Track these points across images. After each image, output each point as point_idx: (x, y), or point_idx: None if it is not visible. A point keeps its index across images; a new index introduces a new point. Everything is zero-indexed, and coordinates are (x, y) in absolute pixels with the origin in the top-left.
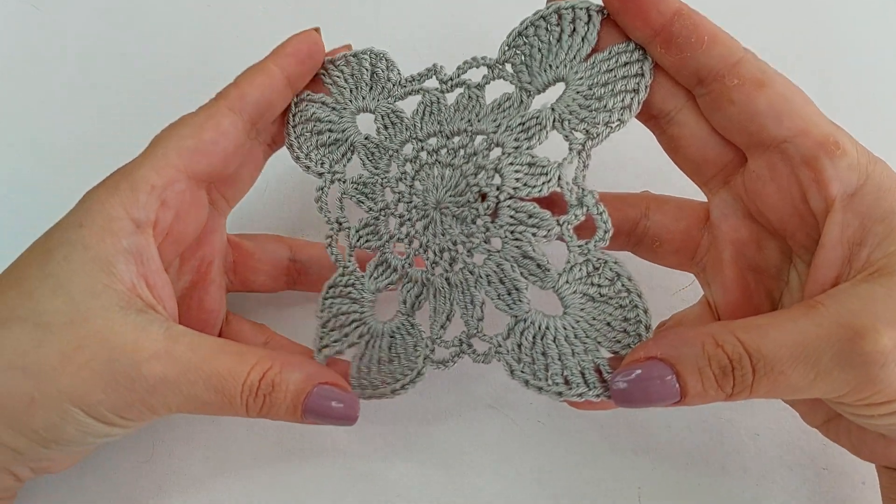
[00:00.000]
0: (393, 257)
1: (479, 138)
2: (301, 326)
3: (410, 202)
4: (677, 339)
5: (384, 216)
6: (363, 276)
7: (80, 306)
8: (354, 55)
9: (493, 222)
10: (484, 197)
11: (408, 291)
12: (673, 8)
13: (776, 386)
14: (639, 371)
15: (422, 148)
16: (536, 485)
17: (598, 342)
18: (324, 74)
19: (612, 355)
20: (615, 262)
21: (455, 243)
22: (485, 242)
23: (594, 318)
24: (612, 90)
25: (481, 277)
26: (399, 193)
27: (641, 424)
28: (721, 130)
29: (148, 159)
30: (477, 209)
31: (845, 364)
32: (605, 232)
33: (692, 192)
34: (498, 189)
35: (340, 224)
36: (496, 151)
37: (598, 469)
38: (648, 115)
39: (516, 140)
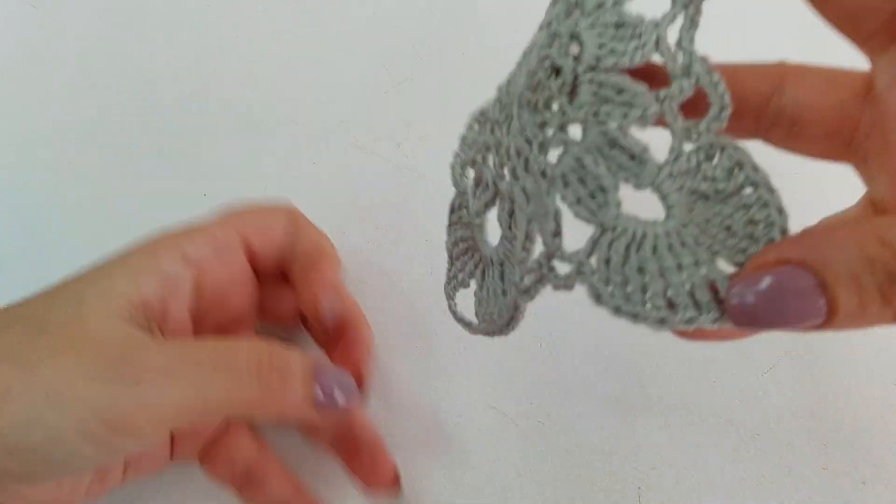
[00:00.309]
0: (487, 169)
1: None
2: None
3: (500, 101)
4: (824, 239)
5: (482, 123)
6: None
7: (84, 308)
8: None
9: (570, 103)
10: (558, 72)
11: (502, 209)
12: None
13: None
14: (769, 279)
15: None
16: (536, 485)
17: (715, 252)
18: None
19: (734, 269)
20: (736, 148)
21: (528, 140)
22: (560, 131)
23: (708, 222)
24: None
25: (556, 179)
26: (499, 91)
27: (641, 424)
28: (835, 23)
29: (215, 220)
30: (549, 87)
31: None
32: (722, 109)
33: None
34: (575, 59)
35: (465, 142)
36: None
37: (598, 469)
38: None
39: None
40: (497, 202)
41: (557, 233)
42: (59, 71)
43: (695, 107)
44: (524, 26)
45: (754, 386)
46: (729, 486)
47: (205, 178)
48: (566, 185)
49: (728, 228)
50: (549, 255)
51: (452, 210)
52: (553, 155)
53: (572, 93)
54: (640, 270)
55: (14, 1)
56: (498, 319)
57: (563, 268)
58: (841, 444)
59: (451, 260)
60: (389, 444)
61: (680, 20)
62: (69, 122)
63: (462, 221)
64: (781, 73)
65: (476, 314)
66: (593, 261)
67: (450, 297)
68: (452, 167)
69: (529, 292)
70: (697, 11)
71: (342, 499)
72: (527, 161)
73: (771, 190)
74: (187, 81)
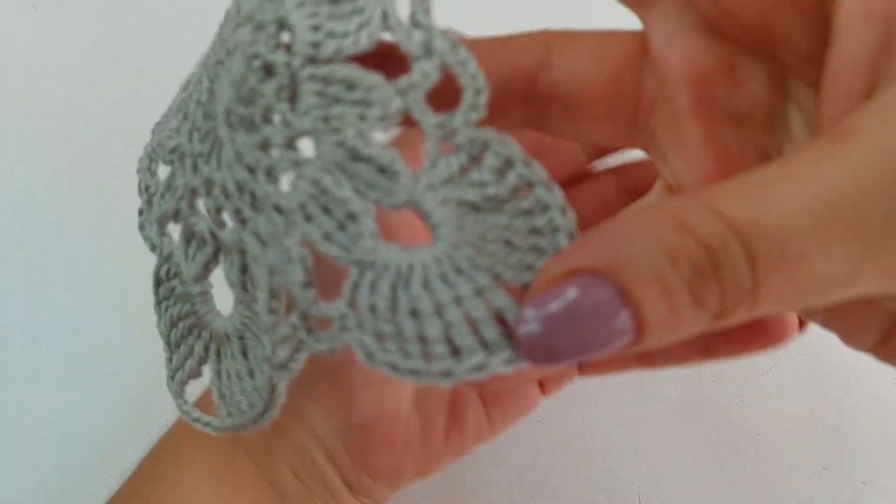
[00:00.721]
0: (199, 218)
1: None
2: None
3: (197, 127)
4: (617, 236)
5: (178, 162)
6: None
7: None
8: None
9: (293, 111)
10: (271, 71)
11: (231, 266)
12: None
13: (795, 283)
14: (558, 299)
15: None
16: (536, 485)
17: (496, 274)
18: None
19: (520, 291)
20: (502, 142)
21: (250, 168)
22: (287, 149)
23: (482, 238)
24: None
25: (293, 212)
26: (184, 117)
27: (641, 424)
28: None
29: None
30: (265, 94)
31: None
32: (477, 93)
33: None
34: (288, 50)
35: (149, 192)
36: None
37: (598, 469)
38: None
39: None
40: (222, 258)
41: (309, 283)
42: (59, 71)
43: (447, 95)
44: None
45: (754, 386)
46: (729, 485)
47: None
48: (308, 218)
49: (508, 243)
50: (304, 315)
51: (159, 283)
52: (285, 182)
53: (293, 97)
54: (413, 313)
55: (14, 1)
56: (249, 409)
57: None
58: (841, 444)
59: (171, 348)
60: None
61: None
62: (69, 122)
63: (176, 294)
64: (546, 43)
65: (217, 409)
66: (357, 310)
67: (177, 394)
68: (141, 228)
69: (287, 366)
70: None
71: None
72: (253, 196)
73: (549, 187)
74: None
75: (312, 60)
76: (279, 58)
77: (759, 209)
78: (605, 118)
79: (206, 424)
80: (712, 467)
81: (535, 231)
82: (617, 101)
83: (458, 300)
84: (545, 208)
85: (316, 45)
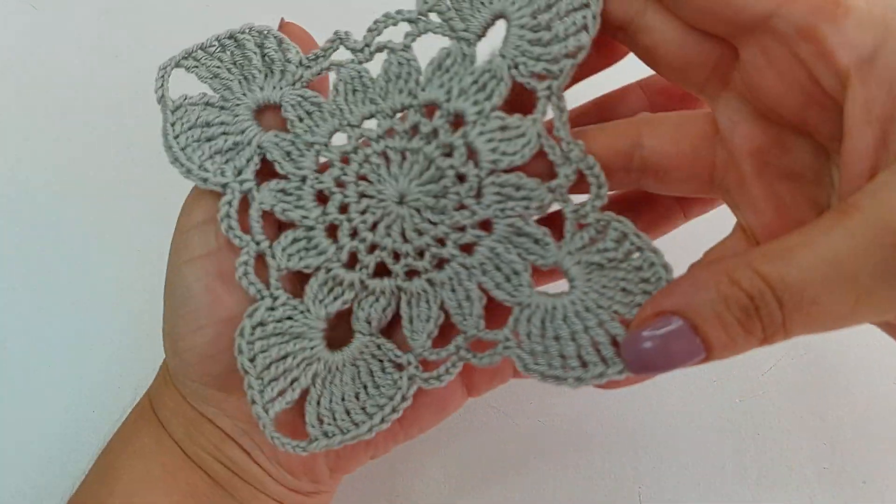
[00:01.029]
0: (345, 272)
1: (436, 115)
2: None
3: (358, 202)
4: (689, 286)
5: (320, 227)
6: (300, 304)
7: None
8: (232, 37)
9: (478, 203)
10: (462, 178)
11: (370, 307)
12: None
13: (813, 319)
14: (651, 331)
15: (360, 135)
16: (536, 484)
17: (615, 311)
18: (196, 68)
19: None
20: (619, 221)
21: (441, 240)
22: (474, 229)
23: (604, 287)
24: (559, 12)
25: (474, 268)
26: (340, 194)
27: (641, 424)
28: (696, 24)
29: None
30: (459, 193)
31: (889, 275)
32: (600, 188)
33: None
34: (477, 166)
35: (259, 245)
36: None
37: (598, 469)
38: (614, 30)
39: (476, 104)
40: (357, 302)
41: (481, 315)
42: (59, 71)
43: (580, 184)
44: None
45: (754, 386)
46: (729, 485)
47: None
48: (484, 272)
49: (624, 290)
50: (468, 337)
51: (260, 324)
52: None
53: (478, 194)
54: (557, 338)
55: (14, 1)
56: (366, 420)
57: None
58: (841, 443)
59: (266, 382)
60: None
61: (550, 112)
62: (69, 122)
63: (291, 332)
64: (637, 129)
65: (311, 430)
66: (517, 335)
67: (269, 424)
68: (245, 276)
69: (441, 378)
70: (561, 100)
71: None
72: (436, 257)
73: (655, 251)
74: (188, 81)
75: (492, 171)
76: (470, 170)
77: (784, 269)
78: (687, 180)
79: (297, 447)
80: (712, 467)
81: (644, 280)
82: (695, 168)
83: (587, 329)
84: (652, 264)
85: (495, 161)
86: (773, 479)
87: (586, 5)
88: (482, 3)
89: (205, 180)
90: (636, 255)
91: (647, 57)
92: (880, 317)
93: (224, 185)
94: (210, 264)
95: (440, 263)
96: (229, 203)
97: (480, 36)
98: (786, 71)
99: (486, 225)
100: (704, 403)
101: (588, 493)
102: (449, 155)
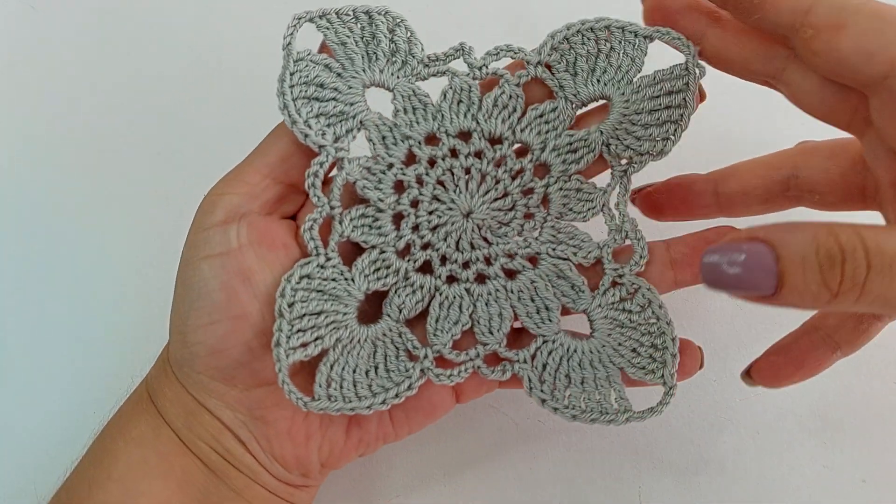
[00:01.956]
0: (396, 258)
1: (526, 158)
2: None
3: (430, 203)
4: (789, 226)
5: (389, 210)
6: (347, 272)
7: None
8: (367, 13)
9: (535, 239)
10: (529, 216)
11: (406, 297)
12: None
13: (891, 286)
14: (738, 246)
15: (452, 146)
16: (536, 484)
17: (621, 367)
18: (328, 30)
19: (629, 383)
20: (648, 289)
21: (489, 259)
22: (522, 259)
23: (620, 345)
24: (658, 118)
25: (512, 293)
26: (416, 190)
27: (641, 424)
28: (830, 78)
29: None
30: (522, 226)
31: None
32: (641, 257)
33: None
34: (545, 210)
35: (332, 209)
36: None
37: (598, 469)
38: (761, 81)
39: (564, 163)
40: (395, 289)
41: (506, 333)
42: (59, 71)
43: (624, 251)
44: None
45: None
46: (729, 485)
47: (205, 177)
48: (520, 300)
49: (634, 350)
50: (488, 350)
51: (307, 276)
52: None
53: (540, 230)
54: (567, 377)
55: (14, 1)
56: (369, 397)
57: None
58: (841, 443)
59: (295, 330)
60: (388, 445)
61: (618, 189)
62: (69, 122)
63: (328, 290)
64: (793, 160)
65: (317, 390)
66: (533, 361)
67: (285, 367)
68: (309, 230)
69: (451, 378)
70: (629, 182)
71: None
72: (480, 272)
73: (668, 323)
74: (188, 81)
75: (557, 219)
76: (539, 212)
77: (884, 238)
78: (840, 202)
79: (299, 399)
80: (712, 467)
81: (654, 347)
82: (846, 191)
83: (595, 379)
84: (662, 334)
85: (561, 214)
86: (774, 478)
87: (679, 122)
88: (597, 80)
89: (305, 136)
90: (653, 320)
91: (794, 101)
92: None
93: (321, 147)
94: (228, 262)
95: (481, 279)
96: (321, 164)
97: (584, 105)
98: None
99: (532, 259)
100: (704, 403)
101: (588, 492)
102: (526, 194)
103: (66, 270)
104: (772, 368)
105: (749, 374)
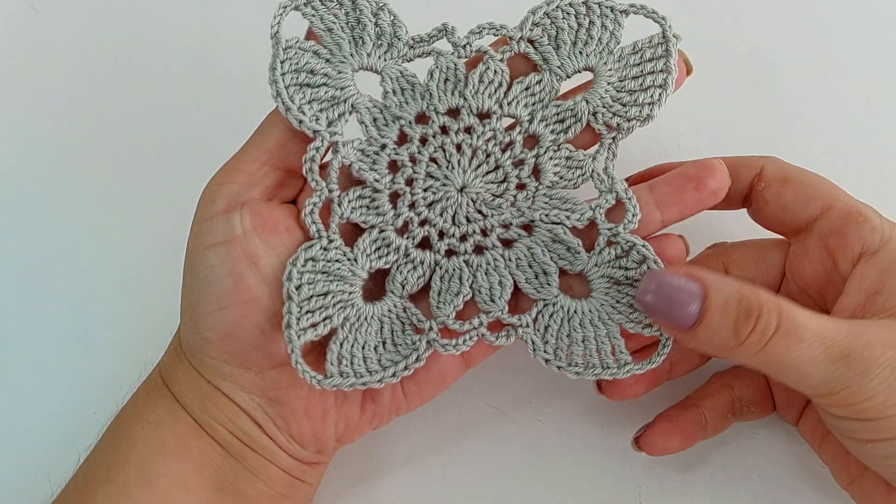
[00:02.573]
0: (395, 236)
1: (515, 130)
2: None
3: (424, 180)
4: (722, 276)
5: (386, 190)
6: (350, 252)
7: None
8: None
9: (528, 208)
10: (521, 187)
11: (408, 273)
12: (710, 188)
13: (788, 352)
14: (675, 278)
15: (442, 123)
16: (536, 484)
17: (620, 323)
18: (314, 16)
19: (628, 337)
20: (643, 246)
21: (486, 231)
22: (517, 228)
23: (618, 302)
24: (642, 84)
25: (510, 261)
26: (410, 169)
27: (642, 424)
28: (769, 228)
29: None
30: (515, 197)
31: (852, 361)
32: (634, 215)
33: None
34: (537, 181)
35: (331, 192)
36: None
37: (598, 469)
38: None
39: (553, 133)
40: (396, 265)
41: (507, 300)
42: (59, 71)
43: (616, 211)
44: None
45: None
46: (729, 485)
47: (205, 176)
48: (518, 266)
49: (632, 306)
50: (490, 317)
51: (312, 259)
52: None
53: (531, 201)
54: (569, 336)
55: (14, 1)
56: (379, 371)
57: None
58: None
59: (303, 312)
60: (389, 445)
61: (606, 154)
62: (69, 122)
63: (332, 272)
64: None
65: (329, 367)
66: (535, 324)
67: (297, 347)
68: (310, 214)
69: (457, 346)
70: (616, 148)
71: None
72: (478, 244)
73: None
74: (187, 81)
75: (549, 187)
76: (531, 182)
77: (793, 308)
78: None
79: (313, 378)
80: (712, 467)
81: None
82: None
83: (596, 337)
84: None
85: (553, 182)
86: (773, 479)
87: (664, 87)
88: (580, 52)
89: (300, 122)
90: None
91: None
92: (827, 384)
93: (316, 132)
94: (234, 249)
95: (479, 250)
96: (316, 149)
97: (568, 77)
98: (816, 259)
99: (526, 227)
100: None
101: (588, 492)
102: (517, 165)
103: (66, 270)
104: (663, 434)
105: (638, 444)
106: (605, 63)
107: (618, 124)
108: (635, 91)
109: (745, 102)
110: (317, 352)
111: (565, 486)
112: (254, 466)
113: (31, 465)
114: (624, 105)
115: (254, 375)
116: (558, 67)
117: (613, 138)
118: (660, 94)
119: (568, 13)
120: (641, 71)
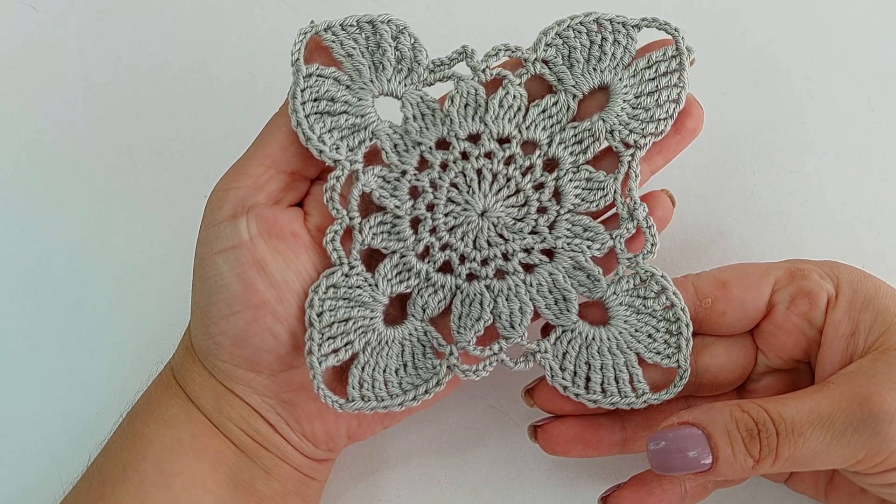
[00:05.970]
0: (417, 261)
1: (535, 153)
2: None
3: (445, 205)
4: (706, 408)
5: (407, 216)
6: (371, 278)
7: None
8: (371, 23)
9: (549, 233)
10: (543, 211)
11: (429, 297)
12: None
13: (798, 449)
14: (674, 432)
15: (463, 149)
16: (536, 484)
17: (638, 353)
18: (334, 42)
19: (646, 365)
20: (662, 276)
21: (507, 256)
22: (539, 253)
23: (637, 331)
24: (658, 100)
25: (531, 286)
26: (431, 194)
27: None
28: (734, 329)
29: None
30: (537, 221)
31: (858, 424)
32: (653, 245)
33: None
34: (559, 204)
35: (352, 219)
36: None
37: (599, 469)
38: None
39: (572, 155)
40: (417, 290)
41: (526, 325)
42: (59, 71)
43: (636, 240)
44: None
45: None
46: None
47: (205, 178)
48: (539, 292)
49: (650, 336)
50: (509, 343)
51: (333, 286)
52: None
53: (552, 226)
54: (588, 364)
55: (14, 2)
56: (400, 395)
57: (511, 354)
58: None
59: (325, 338)
60: (389, 445)
61: (625, 174)
62: (69, 122)
63: (355, 298)
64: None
65: (351, 390)
66: (553, 350)
67: (319, 375)
68: (331, 242)
69: (478, 372)
70: (637, 167)
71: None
72: (499, 269)
73: (684, 310)
74: (187, 82)
75: (571, 211)
76: (552, 206)
77: (782, 408)
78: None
79: (335, 402)
80: None
81: (668, 332)
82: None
83: (615, 365)
84: (678, 320)
85: (575, 205)
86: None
87: (678, 101)
88: (594, 69)
89: (320, 152)
90: (668, 307)
91: None
92: (847, 458)
93: (336, 161)
94: (242, 254)
95: (500, 274)
96: (337, 178)
97: (584, 95)
98: (792, 327)
99: (548, 252)
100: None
101: (588, 493)
102: (538, 189)
103: (66, 270)
104: (634, 500)
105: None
106: (619, 79)
107: (634, 141)
108: (650, 107)
109: (745, 102)
110: (338, 373)
111: (566, 487)
112: (268, 465)
113: (30, 466)
114: (640, 121)
115: (265, 378)
116: (573, 86)
117: (632, 155)
118: (674, 109)
119: (580, 31)
120: (657, 86)
